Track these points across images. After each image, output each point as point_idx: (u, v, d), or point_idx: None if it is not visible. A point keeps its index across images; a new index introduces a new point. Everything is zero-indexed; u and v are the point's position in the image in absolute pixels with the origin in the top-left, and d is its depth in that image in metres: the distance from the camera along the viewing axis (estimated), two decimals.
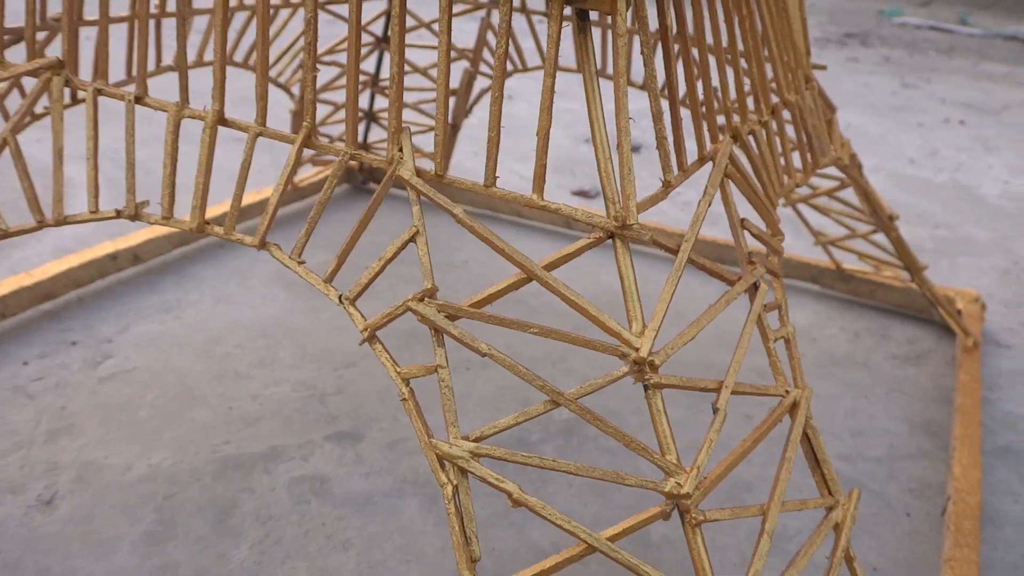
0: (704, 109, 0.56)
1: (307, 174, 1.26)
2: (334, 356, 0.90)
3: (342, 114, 1.28)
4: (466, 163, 1.51)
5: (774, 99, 0.74)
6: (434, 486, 0.72)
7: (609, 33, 1.00)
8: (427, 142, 1.51)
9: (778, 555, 0.67)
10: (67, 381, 0.83)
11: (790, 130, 1.64)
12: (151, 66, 1.05)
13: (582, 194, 1.40)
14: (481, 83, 1.92)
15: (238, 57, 2.44)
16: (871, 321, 1.05)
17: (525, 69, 1.06)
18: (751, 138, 0.61)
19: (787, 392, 0.50)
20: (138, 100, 0.56)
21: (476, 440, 0.45)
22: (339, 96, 1.82)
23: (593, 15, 1.54)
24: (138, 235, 1.06)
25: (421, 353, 0.91)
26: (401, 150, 0.49)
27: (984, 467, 0.80)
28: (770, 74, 1.03)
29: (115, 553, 0.64)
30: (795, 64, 0.72)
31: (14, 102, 1.42)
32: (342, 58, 1.54)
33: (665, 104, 1.20)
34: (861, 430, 0.84)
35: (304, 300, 1.01)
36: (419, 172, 0.49)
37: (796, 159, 1.08)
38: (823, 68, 0.82)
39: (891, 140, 1.83)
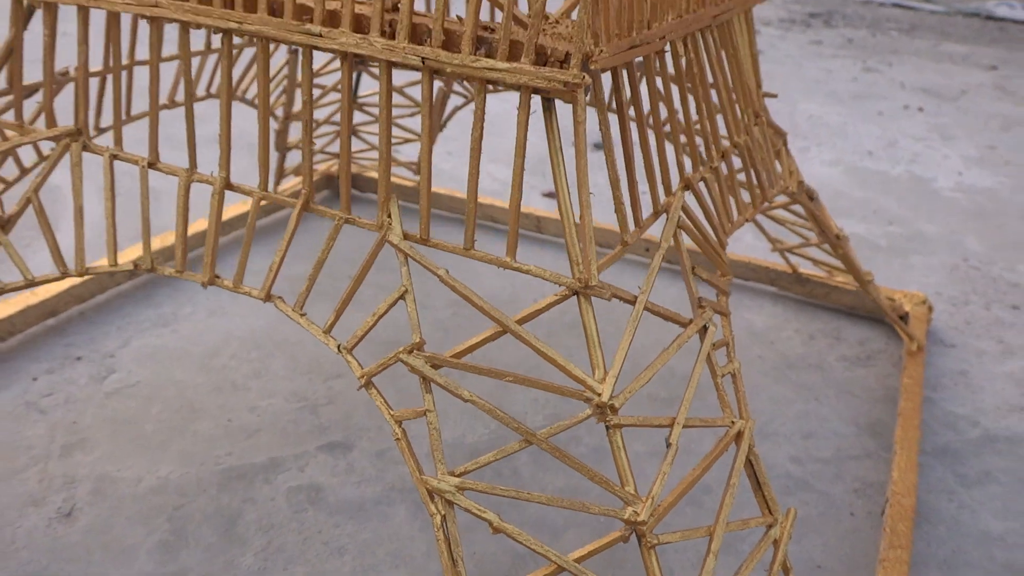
0: (659, 167, 0.62)
1: (288, 184, 1.31)
2: (323, 367, 0.96)
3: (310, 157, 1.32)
4: (442, 164, 1.57)
5: (725, 142, 0.80)
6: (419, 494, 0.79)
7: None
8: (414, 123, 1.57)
9: (731, 555, 0.74)
10: (75, 396, 0.89)
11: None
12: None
13: (551, 195, 1.46)
14: (454, 100, 1.96)
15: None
16: (825, 323, 1.12)
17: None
18: (703, 184, 0.67)
19: (732, 423, 0.57)
20: (151, 165, 0.61)
21: (460, 475, 0.52)
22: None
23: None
24: (133, 250, 1.11)
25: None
26: (390, 216, 0.55)
27: (923, 466, 0.88)
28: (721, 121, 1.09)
29: (134, 561, 0.70)
30: (744, 104, 0.78)
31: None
32: (324, 80, 1.58)
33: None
34: (811, 432, 0.92)
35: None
36: (406, 235, 0.55)
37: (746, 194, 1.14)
38: (774, 96, 0.89)
39: (851, 131, 1.90)
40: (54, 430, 0.84)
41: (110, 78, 0.95)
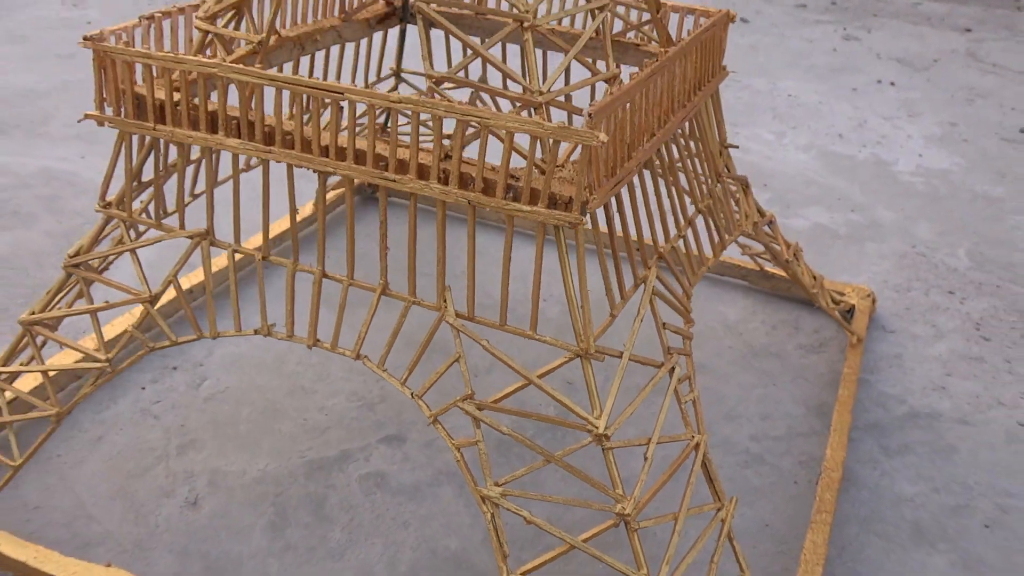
0: (638, 249, 0.84)
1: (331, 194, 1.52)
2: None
3: None
4: None
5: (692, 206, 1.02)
6: (462, 476, 1.03)
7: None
8: None
9: (694, 529, 0.99)
10: (179, 402, 1.13)
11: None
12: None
13: None
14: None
15: None
16: (787, 314, 1.36)
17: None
18: (673, 250, 0.90)
19: (692, 437, 0.81)
20: (264, 258, 0.84)
21: (502, 484, 0.76)
22: None
23: None
24: (198, 273, 1.33)
25: (437, 359, 1.21)
26: (446, 301, 0.78)
27: (854, 440, 1.13)
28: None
29: (251, 539, 0.95)
30: (709, 171, 1.00)
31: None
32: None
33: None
34: (768, 414, 1.16)
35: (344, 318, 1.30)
36: (457, 314, 0.78)
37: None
38: (735, 147, 1.11)
39: (825, 111, 2.11)
40: (168, 433, 1.08)
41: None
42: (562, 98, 1.18)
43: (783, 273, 1.38)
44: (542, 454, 0.74)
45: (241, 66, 0.75)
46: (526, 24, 0.75)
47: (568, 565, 0.90)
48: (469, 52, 0.80)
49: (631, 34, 1.07)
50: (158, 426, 1.09)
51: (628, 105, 0.75)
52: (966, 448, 1.12)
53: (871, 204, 1.70)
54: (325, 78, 1.16)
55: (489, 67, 1.31)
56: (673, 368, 0.82)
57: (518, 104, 0.74)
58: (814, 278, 1.26)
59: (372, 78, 1.26)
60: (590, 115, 0.67)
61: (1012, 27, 2.82)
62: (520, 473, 0.75)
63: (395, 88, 1.30)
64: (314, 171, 0.77)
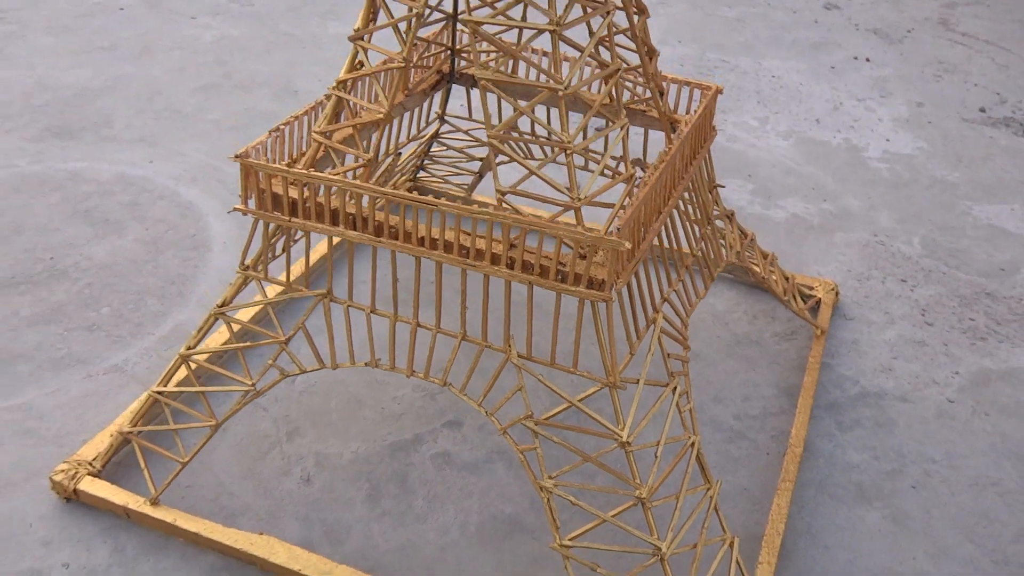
0: (648, 296, 1.15)
1: None
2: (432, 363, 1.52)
3: None
4: None
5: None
6: (511, 455, 1.36)
7: None
8: None
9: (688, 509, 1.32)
10: (280, 396, 1.45)
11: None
12: None
13: None
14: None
15: None
16: (766, 304, 1.67)
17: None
18: (674, 294, 1.20)
19: (689, 438, 1.13)
20: (372, 311, 1.14)
21: (554, 477, 1.08)
22: None
23: None
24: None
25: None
26: (511, 346, 1.09)
27: (815, 417, 1.45)
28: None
29: (354, 508, 1.28)
30: (701, 219, 1.30)
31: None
32: None
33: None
34: (748, 396, 1.49)
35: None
36: (518, 354, 1.09)
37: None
38: (722, 186, 1.40)
39: (805, 93, 2.38)
40: (276, 422, 1.40)
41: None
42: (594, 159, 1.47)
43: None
44: (581, 456, 1.07)
45: (357, 182, 1.04)
46: (560, 93, 1.02)
47: (597, 539, 1.24)
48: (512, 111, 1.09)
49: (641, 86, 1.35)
50: (267, 417, 1.41)
51: (643, 207, 1.05)
52: (903, 422, 1.45)
53: (842, 193, 1.99)
54: (390, 134, 1.44)
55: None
56: (675, 387, 1.13)
57: (560, 208, 1.03)
58: (787, 279, 1.57)
59: (423, 123, 1.54)
60: (618, 229, 0.97)
61: None
62: (566, 469, 1.08)
63: (439, 129, 1.59)
64: (412, 255, 1.07)
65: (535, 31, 1.05)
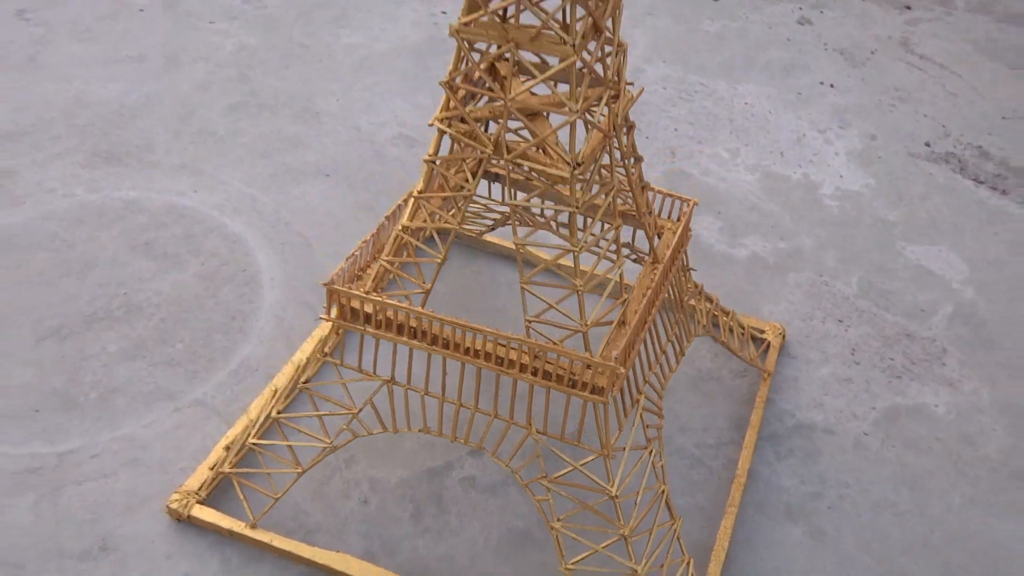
0: (639, 395, 1.60)
1: None
2: None
3: None
4: None
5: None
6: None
7: None
8: None
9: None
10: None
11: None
12: None
13: None
14: None
15: None
16: None
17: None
18: (653, 376, 1.66)
19: (660, 487, 1.61)
20: (426, 393, 1.59)
21: (562, 519, 1.55)
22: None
23: None
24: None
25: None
26: (531, 424, 1.54)
27: (759, 447, 1.94)
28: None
29: (402, 525, 1.76)
30: (678, 303, 1.75)
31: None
32: None
33: None
34: (707, 427, 1.97)
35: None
36: (537, 430, 1.55)
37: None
38: (694, 270, 1.85)
39: (773, 123, 2.81)
40: (337, 453, 1.86)
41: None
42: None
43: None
44: (581, 504, 1.55)
45: (418, 309, 1.48)
46: (573, 211, 1.46)
47: (591, 564, 1.73)
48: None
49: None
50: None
51: (635, 337, 1.50)
52: (827, 451, 1.95)
53: (797, 232, 2.45)
54: None
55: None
56: (651, 451, 1.61)
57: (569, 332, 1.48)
58: (742, 328, 2.04)
59: None
60: (616, 357, 1.43)
61: (947, 2, 3.47)
62: (570, 513, 1.56)
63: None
64: (458, 361, 1.52)
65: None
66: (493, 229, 2.06)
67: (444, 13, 3.15)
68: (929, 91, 2.99)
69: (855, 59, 3.09)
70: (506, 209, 1.94)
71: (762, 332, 2.11)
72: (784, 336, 2.13)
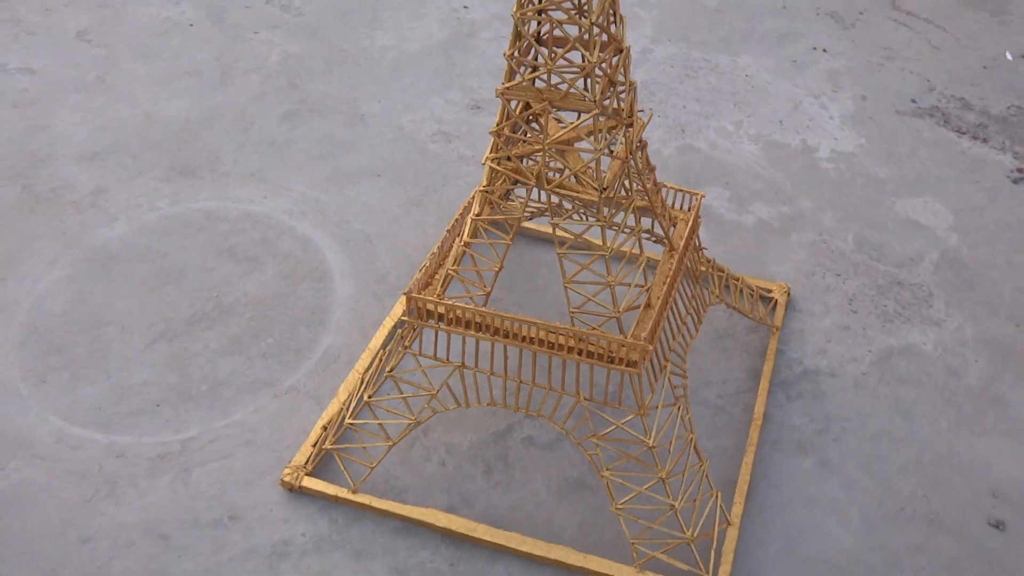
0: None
1: None
2: None
3: None
4: None
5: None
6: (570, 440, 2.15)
7: None
8: None
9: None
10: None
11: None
12: None
13: None
14: None
15: None
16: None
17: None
18: (677, 345, 1.95)
19: (688, 436, 1.92)
20: (492, 374, 1.90)
21: (610, 468, 1.87)
22: None
23: None
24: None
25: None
26: (579, 393, 1.85)
27: (772, 392, 2.24)
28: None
29: (477, 481, 2.08)
30: (693, 281, 2.03)
31: None
32: None
33: None
34: (727, 379, 2.27)
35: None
36: (585, 397, 1.86)
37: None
38: (706, 248, 2.14)
39: (772, 93, 3.06)
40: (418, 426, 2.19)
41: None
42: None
43: (737, 275, 2.44)
44: (625, 455, 1.86)
45: (482, 309, 1.79)
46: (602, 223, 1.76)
47: (636, 503, 2.04)
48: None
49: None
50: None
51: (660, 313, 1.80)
52: (831, 392, 2.25)
53: (797, 196, 2.72)
54: None
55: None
56: (679, 407, 1.92)
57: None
58: (751, 290, 2.34)
59: None
60: (644, 337, 1.73)
61: None
62: (618, 463, 1.88)
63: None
64: (517, 347, 1.83)
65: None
66: (532, 218, 2.35)
67: (465, 8, 3.40)
68: (915, 47, 3.22)
69: (845, 21, 3.32)
70: (541, 204, 2.23)
71: (769, 292, 2.40)
72: (789, 293, 2.42)
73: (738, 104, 2.98)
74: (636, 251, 1.79)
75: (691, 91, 3.03)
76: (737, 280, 2.26)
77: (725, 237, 2.56)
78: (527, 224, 2.51)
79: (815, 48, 3.19)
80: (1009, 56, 3.17)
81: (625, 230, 1.75)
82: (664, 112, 2.94)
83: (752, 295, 2.31)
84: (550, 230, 1.98)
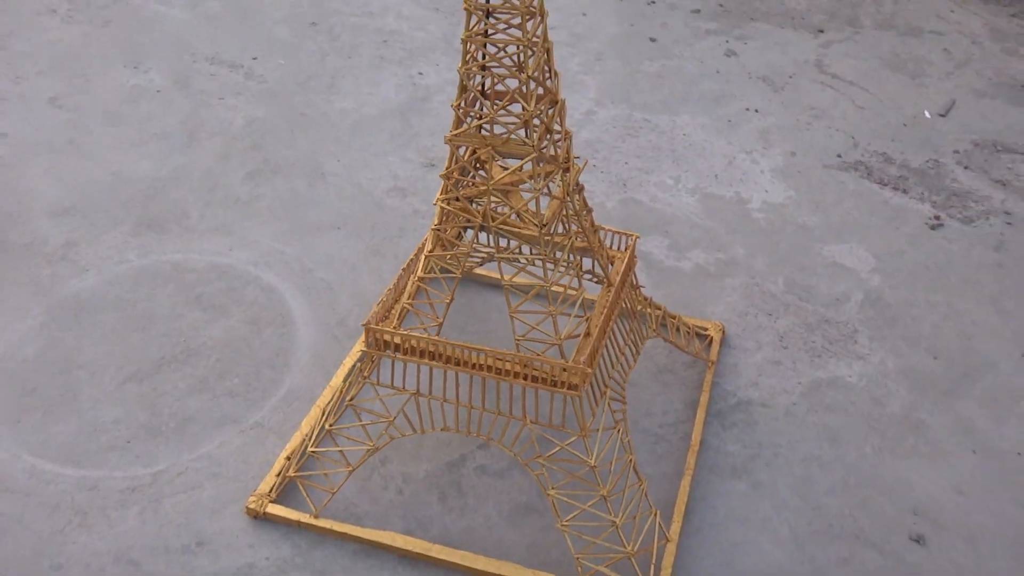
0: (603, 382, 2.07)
1: None
2: None
3: None
4: None
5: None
6: (522, 466, 2.30)
7: None
8: None
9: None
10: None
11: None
12: None
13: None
14: None
15: None
16: None
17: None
18: (616, 372, 2.13)
19: (628, 457, 2.08)
20: (444, 400, 2.05)
21: (556, 487, 2.02)
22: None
23: None
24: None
25: None
26: (526, 417, 2.01)
27: (708, 422, 2.41)
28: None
29: (433, 508, 2.22)
30: (632, 314, 2.22)
31: None
32: None
33: None
34: (666, 410, 2.44)
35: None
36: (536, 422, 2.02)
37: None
38: (643, 287, 2.33)
39: (708, 150, 3.29)
40: (375, 455, 2.33)
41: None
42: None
43: (675, 315, 2.62)
44: (569, 475, 2.02)
45: (435, 338, 1.95)
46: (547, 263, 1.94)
47: (580, 520, 2.19)
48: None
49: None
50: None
51: (598, 341, 1.98)
52: (763, 421, 2.43)
53: (732, 243, 2.93)
54: None
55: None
56: (619, 430, 2.09)
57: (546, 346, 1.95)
58: (688, 328, 2.52)
59: None
60: (583, 361, 1.90)
61: (855, 21, 3.97)
62: (562, 482, 2.03)
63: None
64: (467, 374, 1.99)
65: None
66: (481, 265, 2.54)
67: (420, 74, 3.63)
68: (840, 107, 3.49)
69: (775, 84, 3.58)
70: (490, 249, 2.41)
71: (705, 329, 2.59)
72: (724, 331, 2.61)
73: (676, 160, 3.20)
74: (576, 288, 1.97)
75: (633, 149, 3.25)
76: (674, 318, 2.45)
77: (665, 282, 2.76)
78: (477, 271, 2.69)
79: (748, 109, 3.43)
80: (927, 114, 3.44)
81: (563, 265, 1.94)
82: (607, 168, 3.16)
83: (688, 332, 2.50)
84: (498, 276, 2.18)
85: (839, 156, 3.24)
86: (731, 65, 3.66)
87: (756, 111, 3.43)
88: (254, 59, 3.70)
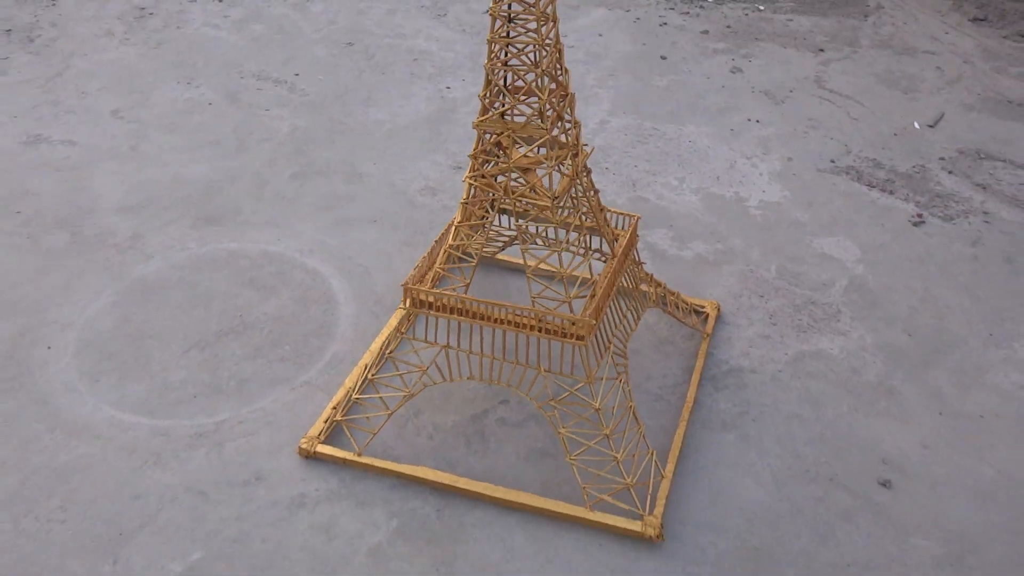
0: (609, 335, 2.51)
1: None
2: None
3: None
4: None
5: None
6: (538, 416, 2.74)
7: None
8: None
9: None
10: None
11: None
12: None
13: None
14: None
15: None
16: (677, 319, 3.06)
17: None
18: (619, 331, 2.56)
19: (628, 403, 2.51)
20: (470, 353, 2.50)
21: (566, 427, 2.45)
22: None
23: None
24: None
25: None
26: (540, 366, 2.45)
27: (702, 385, 2.84)
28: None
29: (459, 451, 2.65)
30: (633, 283, 2.66)
31: None
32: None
33: None
34: (665, 375, 2.87)
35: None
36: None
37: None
38: (645, 263, 2.78)
39: (711, 155, 3.74)
40: (407, 408, 2.77)
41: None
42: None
43: (675, 292, 3.06)
44: (576, 416, 2.45)
45: (465, 296, 2.41)
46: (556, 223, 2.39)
47: (587, 455, 2.62)
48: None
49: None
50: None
51: (603, 297, 2.42)
52: (752, 385, 2.85)
53: (730, 236, 3.38)
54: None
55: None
56: (621, 379, 2.53)
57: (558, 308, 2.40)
58: (687, 304, 2.96)
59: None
60: (589, 315, 2.35)
61: (854, 42, 4.43)
62: (571, 423, 2.47)
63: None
64: (491, 327, 2.44)
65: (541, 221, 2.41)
66: (503, 250, 2.99)
67: (448, 88, 4.11)
68: (836, 119, 3.94)
69: (777, 98, 4.04)
70: (510, 235, 2.87)
71: (703, 307, 3.03)
72: (719, 309, 3.05)
73: (682, 164, 3.66)
74: (585, 266, 2.42)
75: (642, 154, 3.71)
76: (674, 295, 2.90)
77: (668, 268, 3.20)
78: (499, 256, 3.15)
79: (750, 120, 3.89)
80: (917, 125, 3.88)
81: (574, 234, 2.39)
82: (619, 171, 3.62)
83: (687, 308, 2.94)
84: (518, 260, 2.61)
85: (832, 161, 3.68)
86: (736, 81, 4.12)
87: (757, 122, 3.87)
88: (296, 75, 4.21)
